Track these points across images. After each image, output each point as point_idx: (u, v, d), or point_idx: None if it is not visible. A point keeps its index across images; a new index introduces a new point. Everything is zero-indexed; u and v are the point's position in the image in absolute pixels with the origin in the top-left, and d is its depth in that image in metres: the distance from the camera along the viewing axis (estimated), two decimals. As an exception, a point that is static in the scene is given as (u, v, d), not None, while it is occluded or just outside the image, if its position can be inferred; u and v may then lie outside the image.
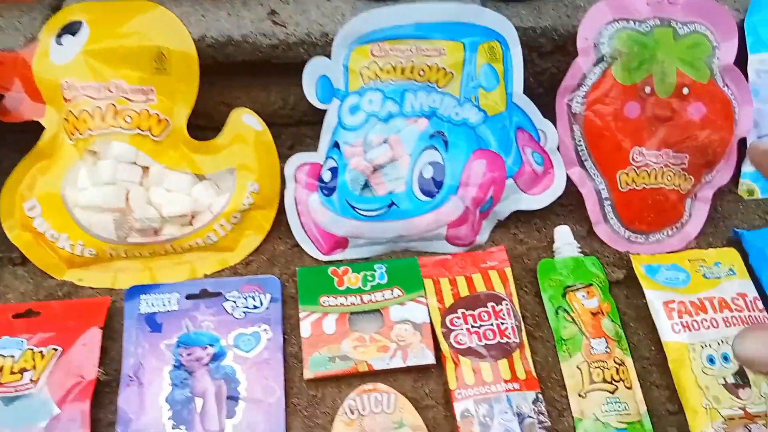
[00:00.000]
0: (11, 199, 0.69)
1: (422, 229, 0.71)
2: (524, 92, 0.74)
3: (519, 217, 0.76)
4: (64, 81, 0.67)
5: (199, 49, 0.69)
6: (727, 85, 0.74)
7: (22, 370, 0.60)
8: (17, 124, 0.69)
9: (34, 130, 0.69)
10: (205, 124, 0.75)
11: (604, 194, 0.75)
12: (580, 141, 0.73)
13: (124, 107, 0.67)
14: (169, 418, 0.60)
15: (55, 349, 0.62)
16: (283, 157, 0.74)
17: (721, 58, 0.73)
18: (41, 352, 0.61)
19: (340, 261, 0.73)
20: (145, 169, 0.69)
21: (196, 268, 0.71)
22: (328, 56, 0.71)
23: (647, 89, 0.71)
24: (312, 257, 0.73)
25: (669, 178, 0.73)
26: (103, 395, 0.62)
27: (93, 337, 0.63)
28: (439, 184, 0.70)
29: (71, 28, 0.68)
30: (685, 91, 0.71)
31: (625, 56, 0.71)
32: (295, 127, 0.81)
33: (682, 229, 0.76)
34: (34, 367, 0.60)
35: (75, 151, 0.68)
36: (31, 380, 0.60)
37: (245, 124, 0.72)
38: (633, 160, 0.72)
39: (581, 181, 0.75)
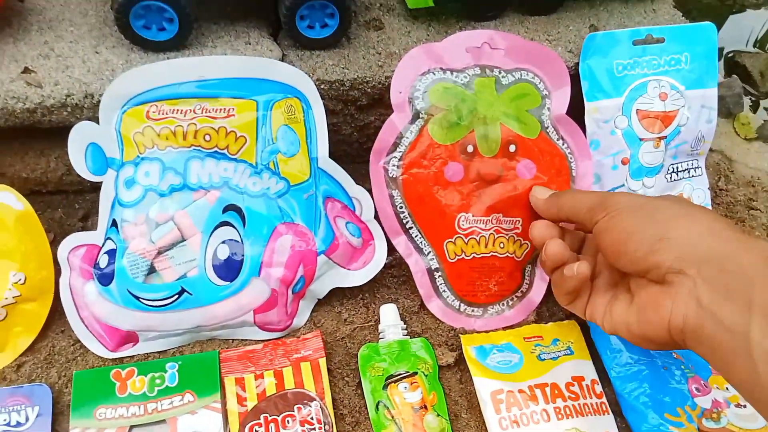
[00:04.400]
0: None
1: (222, 317, 0.61)
2: (346, 151, 0.65)
3: (345, 292, 0.67)
4: None
5: (-63, 119, 0.58)
6: (561, 138, 0.66)
7: None
8: None
9: None
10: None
11: (434, 265, 0.66)
12: (402, 207, 0.65)
13: None
14: None
15: None
16: (75, 230, 0.63)
17: (553, 108, 0.66)
18: None
19: (132, 357, 0.62)
20: None
21: (-49, 378, 0.60)
22: (97, 120, 0.60)
23: (470, 148, 0.63)
24: (97, 355, 0.62)
25: (502, 245, 0.65)
26: None
27: None
28: (237, 266, 0.60)
29: None
30: (512, 148, 0.63)
31: (442, 112, 0.63)
32: (93, 193, 0.70)
33: (523, 298, 0.68)
34: None
35: None
36: None
37: (2, 203, 0.61)
38: (459, 227, 0.64)
39: (407, 251, 0.66)
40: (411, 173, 0.63)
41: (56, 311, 0.63)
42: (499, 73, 0.64)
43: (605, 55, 0.69)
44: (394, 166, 0.63)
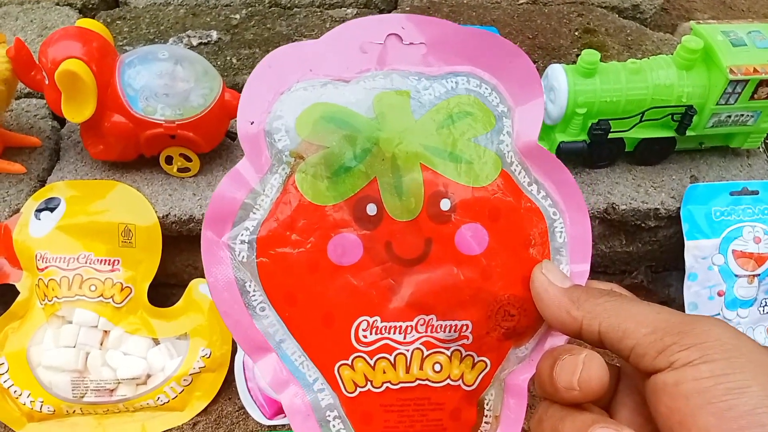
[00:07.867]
0: (-18, 355, 0.75)
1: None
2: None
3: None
4: (38, 252, 0.74)
5: (163, 225, 0.76)
6: (535, 182, 0.38)
7: None
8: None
9: (11, 291, 0.76)
10: (175, 283, 0.82)
11: (325, 400, 0.37)
12: (263, 308, 0.36)
13: (90, 277, 0.74)
14: None
15: None
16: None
17: (517, 132, 0.38)
18: None
19: (283, 426, 0.76)
20: (106, 332, 0.75)
21: (145, 427, 0.75)
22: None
23: (371, 209, 0.35)
24: (257, 421, 0.76)
25: (438, 366, 0.37)
26: None
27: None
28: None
29: (50, 204, 0.76)
30: (445, 204, 0.35)
31: (320, 152, 0.35)
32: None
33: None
34: None
35: (43, 314, 0.74)
36: None
37: (201, 293, 0.77)
38: (359, 341, 0.36)
39: (279, 380, 0.37)
40: (271, 254, 0.36)
41: (226, 381, 0.78)
42: (419, 81, 0.37)
43: (705, 203, 0.80)
44: (243, 242, 0.36)
